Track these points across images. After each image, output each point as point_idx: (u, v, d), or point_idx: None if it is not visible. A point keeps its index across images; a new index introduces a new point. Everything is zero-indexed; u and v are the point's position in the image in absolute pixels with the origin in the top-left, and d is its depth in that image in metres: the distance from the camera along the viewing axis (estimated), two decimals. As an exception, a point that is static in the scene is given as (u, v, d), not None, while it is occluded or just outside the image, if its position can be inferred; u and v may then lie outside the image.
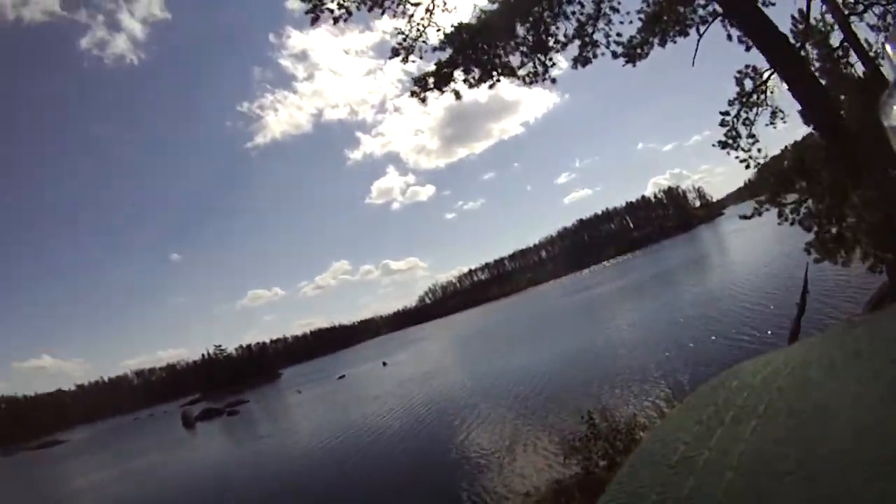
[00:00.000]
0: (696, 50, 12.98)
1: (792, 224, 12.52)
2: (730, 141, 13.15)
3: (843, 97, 11.57)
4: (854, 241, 11.17)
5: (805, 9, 12.20)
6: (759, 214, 13.05)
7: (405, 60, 12.85)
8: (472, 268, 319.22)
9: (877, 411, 1.14)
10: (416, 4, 12.69)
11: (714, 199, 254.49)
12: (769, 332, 22.38)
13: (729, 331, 26.27)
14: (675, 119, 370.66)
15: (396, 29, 12.79)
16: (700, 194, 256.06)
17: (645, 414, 16.57)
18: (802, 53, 11.50)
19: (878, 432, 1.08)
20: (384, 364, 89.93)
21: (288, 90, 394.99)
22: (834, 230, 11.67)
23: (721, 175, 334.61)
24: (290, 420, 59.05)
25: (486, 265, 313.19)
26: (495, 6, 12.30)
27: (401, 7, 12.66)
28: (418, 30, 12.72)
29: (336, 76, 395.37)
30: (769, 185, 12.75)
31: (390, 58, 13.01)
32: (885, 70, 11.17)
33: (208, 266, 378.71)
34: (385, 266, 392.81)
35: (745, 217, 13.41)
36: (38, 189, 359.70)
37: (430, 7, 12.66)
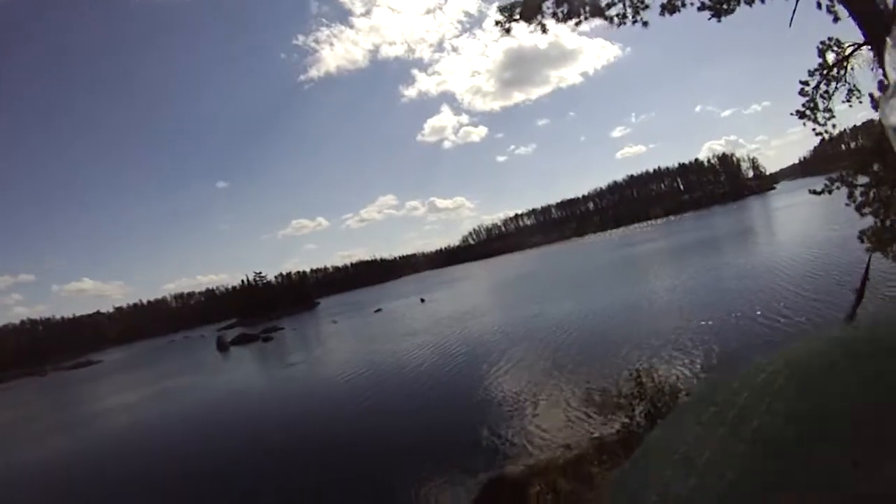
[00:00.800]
0: (794, 10, 12.37)
1: (860, 208, 12.13)
2: (808, 112, 12.75)
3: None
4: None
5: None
6: (830, 192, 12.65)
7: None
8: (519, 212, 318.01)
9: (875, 411, 1.15)
10: None
11: (767, 172, 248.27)
12: (805, 318, 22.29)
13: (771, 309, 25.87)
14: (736, 85, 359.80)
15: None
16: (754, 165, 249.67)
17: (684, 381, 16.36)
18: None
19: (878, 431, 1.10)
20: (422, 301, 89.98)
21: (345, 25, 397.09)
22: (889, 222, 11.35)
23: (775, 149, 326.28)
24: (321, 349, 59.84)
25: (533, 211, 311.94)
26: None
27: None
28: None
29: (394, 13, 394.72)
30: (849, 162, 12.31)
31: None
32: None
33: (254, 195, 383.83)
34: (431, 203, 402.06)
35: (815, 192, 13.00)
36: (90, 110, 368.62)
37: None
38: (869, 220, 12.15)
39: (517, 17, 11.83)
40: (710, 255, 55.60)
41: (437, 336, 44.28)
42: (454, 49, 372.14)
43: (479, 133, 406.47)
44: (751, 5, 12.56)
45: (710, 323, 26.50)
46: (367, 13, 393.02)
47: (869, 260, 12.61)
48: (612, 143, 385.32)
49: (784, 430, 1.15)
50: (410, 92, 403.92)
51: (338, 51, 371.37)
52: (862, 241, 11.87)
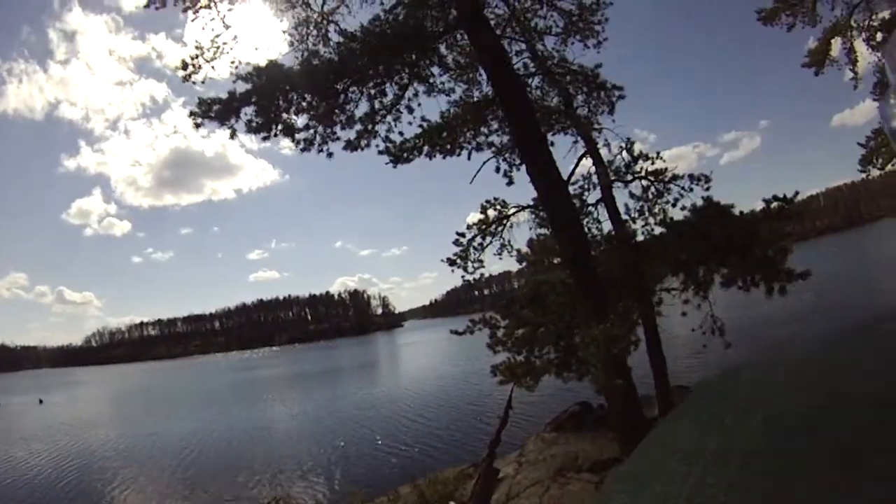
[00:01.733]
0: (478, 171, 14.03)
1: (495, 346, 13.73)
2: (458, 260, 14.02)
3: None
4: (543, 369, 12.73)
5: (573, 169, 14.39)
6: (472, 333, 14.06)
7: (188, 78, 12.23)
8: (145, 321, 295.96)
9: (876, 411, 1.21)
10: (227, 27, 12.28)
11: (397, 311, 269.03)
12: (420, 448, 23.84)
13: (394, 438, 27.08)
14: (379, 229, 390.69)
15: (196, 41, 12.14)
16: (384, 303, 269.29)
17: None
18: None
19: (878, 431, 1.15)
20: (41, 402, 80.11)
21: (41, 66, 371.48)
22: (521, 358, 13.07)
23: (408, 290, 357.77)
24: None
25: (159, 321, 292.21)
26: (304, 61, 12.30)
27: (210, 16, 12.26)
28: (215, 51, 12.25)
29: (90, 72, 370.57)
30: (502, 308, 14.03)
31: (177, 69, 12.13)
32: (634, 228, 13.02)
33: None
34: (60, 293, 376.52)
35: (456, 332, 14.27)
36: None
37: (234, 37, 12.34)
38: (501, 357, 13.31)
39: (213, 114, 11.66)
40: (333, 385, 57.17)
41: (53, 445, 38.32)
42: (127, 131, 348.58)
43: (122, 228, 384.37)
44: (430, 158, 13.95)
45: (331, 450, 26.84)
46: (66, 62, 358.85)
47: (511, 390, 14.33)
48: (247, 264, 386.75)
49: (784, 426, 1.21)
50: (70, 163, 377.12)
51: (23, 91, 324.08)
52: (495, 375, 13.26)
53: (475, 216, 14.48)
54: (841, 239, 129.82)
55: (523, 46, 15.39)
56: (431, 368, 52.43)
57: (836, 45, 18.93)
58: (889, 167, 18.61)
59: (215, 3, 12.45)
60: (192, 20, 12.40)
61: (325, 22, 13.70)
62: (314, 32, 13.76)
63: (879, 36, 17.83)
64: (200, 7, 12.41)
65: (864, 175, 19.78)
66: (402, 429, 29.29)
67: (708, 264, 12.79)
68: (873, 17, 18.30)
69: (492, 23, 14.12)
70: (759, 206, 13.13)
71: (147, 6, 12.13)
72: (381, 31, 12.18)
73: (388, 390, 45.06)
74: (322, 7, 13.67)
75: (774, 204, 12.97)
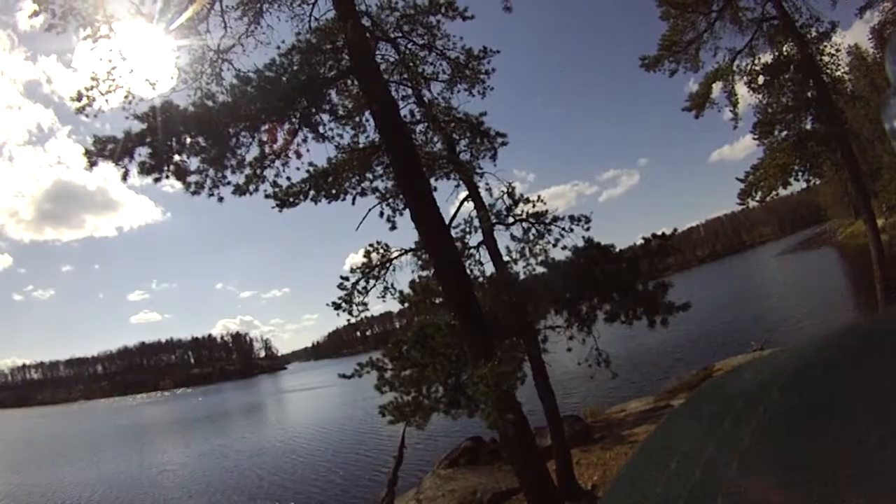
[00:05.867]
0: (364, 218, 14.16)
1: (383, 387, 13.72)
2: (343, 304, 14.01)
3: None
4: (432, 408, 12.87)
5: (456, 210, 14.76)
6: (360, 376, 14.05)
7: (82, 110, 11.78)
8: (27, 363, 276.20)
9: (879, 412, 1.35)
10: (124, 59, 12.10)
11: (280, 353, 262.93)
12: (315, 492, 23.47)
13: (287, 483, 26.64)
14: (259, 270, 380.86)
15: (92, 73, 11.80)
16: (267, 346, 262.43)
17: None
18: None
19: (880, 433, 1.28)
20: None
21: None
22: (409, 398, 13.20)
23: (290, 332, 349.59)
24: None
25: (42, 364, 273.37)
26: (199, 102, 12.02)
27: (109, 47, 11.99)
28: (110, 83, 11.97)
29: None
30: (389, 350, 14.04)
31: (72, 99, 11.70)
32: (516, 269, 13.35)
33: None
34: None
35: (344, 376, 14.19)
36: None
37: (130, 70, 12.19)
38: (389, 396, 13.40)
39: (107, 153, 11.23)
40: (224, 432, 55.05)
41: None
42: (12, 158, 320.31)
43: (3, 262, 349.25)
44: (316, 203, 13.96)
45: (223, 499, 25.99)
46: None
47: (405, 429, 14.28)
48: (129, 306, 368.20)
49: (785, 427, 1.17)
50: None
51: None
52: (384, 415, 13.30)
53: (358, 259, 14.63)
54: (721, 265, 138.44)
55: (410, 92, 15.76)
56: (321, 411, 51.59)
57: (717, 87, 20.37)
58: (768, 199, 20.04)
59: (114, 34, 12.28)
60: (91, 49, 12.17)
61: (220, 60, 13.73)
62: (208, 70, 13.75)
63: (761, 79, 19.37)
64: (100, 37, 12.22)
65: (742, 206, 21.28)
66: (297, 473, 28.72)
67: (591, 301, 13.38)
68: (755, 61, 19.95)
69: (381, 67, 14.42)
70: (639, 240, 13.91)
71: (48, 30, 11.89)
72: (276, 78, 12.15)
73: (280, 435, 43.85)
74: (218, 46, 13.71)
75: (654, 241, 13.80)
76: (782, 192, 19.61)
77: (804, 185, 20.75)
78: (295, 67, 12.57)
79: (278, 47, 13.46)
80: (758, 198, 19.92)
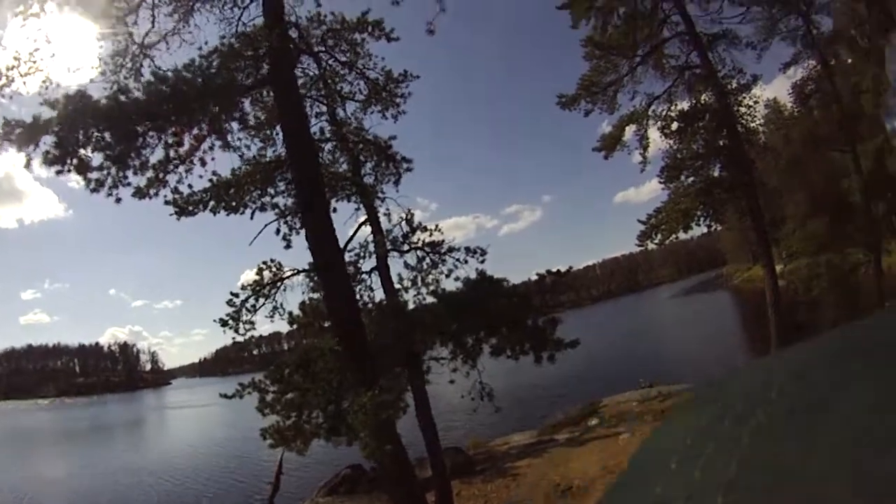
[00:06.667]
0: (259, 233, 13.96)
1: (264, 409, 13.35)
2: (230, 321, 13.64)
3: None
4: (313, 433, 12.61)
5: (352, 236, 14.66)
6: (241, 397, 13.62)
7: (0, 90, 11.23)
8: None
9: (876, 411, 1.19)
10: (49, 42, 11.75)
11: (166, 367, 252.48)
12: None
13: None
14: (153, 279, 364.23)
15: (15, 52, 11.51)
16: (153, 359, 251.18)
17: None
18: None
19: (878, 432, 1.13)
20: None
21: None
22: (290, 422, 12.91)
23: (178, 346, 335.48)
24: None
25: None
26: (112, 96, 11.44)
27: (37, 27, 11.58)
28: (31, 65, 11.58)
29: None
30: (271, 373, 13.64)
31: None
32: (406, 298, 13.29)
33: None
34: None
35: (226, 396, 13.71)
36: None
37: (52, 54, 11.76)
38: (270, 419, 13.05)
39: (13, 137, 10.56)
40: (111, 447, 52.63)
41: None
42: None
43: None
44: (215, 214, 13.59)
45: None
46: None
47: (282, 453, 13.88)
48: (21, 304, 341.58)
49: (782, 427, 1.21)
50: None
51: None
52: (265, 438, 12.96)
53: (250, 276, 14.28)
54: (616, 304, 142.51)
55: (325, 109, 15.67)
56: (201, 431, 49.82)
57: (630, 130, 21.00)
58: (667, 241, 20.67)
59: (45, 14, 11.96)
60: (21, 26, 11.84)
61: (141, 55, 13.38)
62: (129, 65, 13.37)
63: (675, 125, 20.07)
64: (31, 14, 11.89)
65: (641, 248, 21.85)
66: (171, 497, 27.76)
67: (477, 334, 13.42)
68: (672, 107, 20.67)
69: (300, 81, 14.35)
70: (535, 276, 14.12)
71: None
72: (192, 79, 11.80)
73: (156, 455, 41.94)
74: (143, 40, 13.36)
75: (548, 278, 14.05)
76: (683, 236, 20.33)
77: (705, 229, 21.52)
78: (213, 71, 12.25)
79: (200, 48, 13.04)
80: (657, 240, 20.49)
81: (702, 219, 19.72)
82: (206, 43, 13.50)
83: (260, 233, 14.05)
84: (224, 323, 13.66)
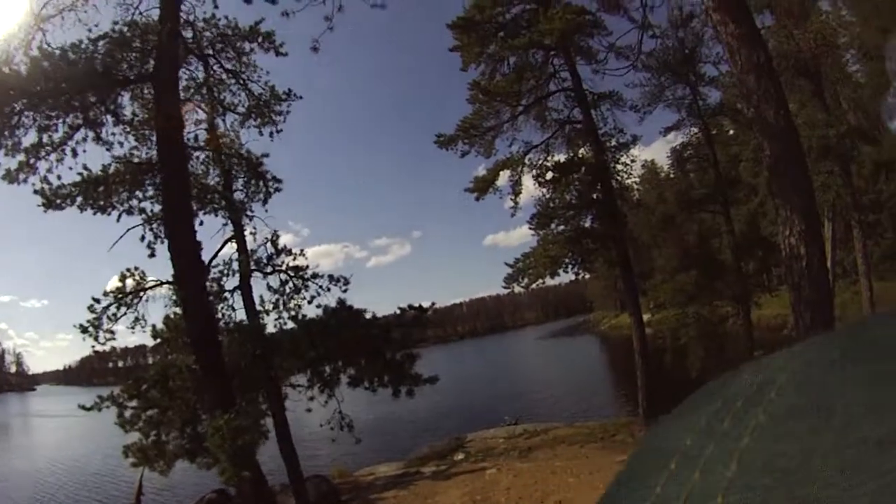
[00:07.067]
0: (122, 237, 13.35)
1: (125, 426, 12.83)
2: (91, 328, 13.07)
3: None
4: (176, 454, 12.20)
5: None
6: (100, 410, 13.05)
7: None
8: None
9: (878, 412, 1.29)
10: None
11: (30, 372, 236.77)
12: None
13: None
14: (24, 275, 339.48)
15: None
16: (18, 361, 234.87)
17: None
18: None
19: (879, 433, 1.22)
20: None
21: None
22: (151, 441, 12.45)
23: (44, 350, 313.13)
24: None
25: None
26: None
27: None
28: None
29: None
30: (129, 387, 13.10)
31: None
32: (266, 321, 13.06)
33: None
34: None
35: (84, 408, 13.11)
36: None
37: None
38: (134, 436, 12.70)
39: None
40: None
41: None
42: None
43: None
44: (82, 211, 13.10)
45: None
46: None
47: (142, 473, 13.32)
48: None
49: (783, 427, 1.09)
50: None
51: None
52: (127, 456, 12.44)
53: (116, 282, 13.66)
54: (481, 342, 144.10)
55: (204, 116, 15.21)
56: (61, 443, 46.76)
57: (504, 175, 21.23)
58: (532, 286, 21.11)
59: None
60: None
61: (35, 28, 12.55)
62: (21, 36, 12.55)
63: (550, 175, 20.31)
64: None
65: (508, 290, 22.19)
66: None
67: (335, 363, 13.34)
68: (548, 157, 21.15)
69: (183, 84, 14.03)
70: (397, 311, 14.19)
71: None
72: (75, 61, 11.40)
73: (13, 469, 38.79)
74: (40, 11, 12.57)
75: (409, 312, 14.13)
76: (550, 281, 20.74)
77: (573, 276, 22.18)
78: (97, 56, 11.88)
79: (90, 30, 12.50)
80: (524, 283, 20.81)
81: (570, 266, 20.15)
82: (96, 25, 12.87)
83: (122, 237, 13.47)
84: (84, 329, 13.08)
